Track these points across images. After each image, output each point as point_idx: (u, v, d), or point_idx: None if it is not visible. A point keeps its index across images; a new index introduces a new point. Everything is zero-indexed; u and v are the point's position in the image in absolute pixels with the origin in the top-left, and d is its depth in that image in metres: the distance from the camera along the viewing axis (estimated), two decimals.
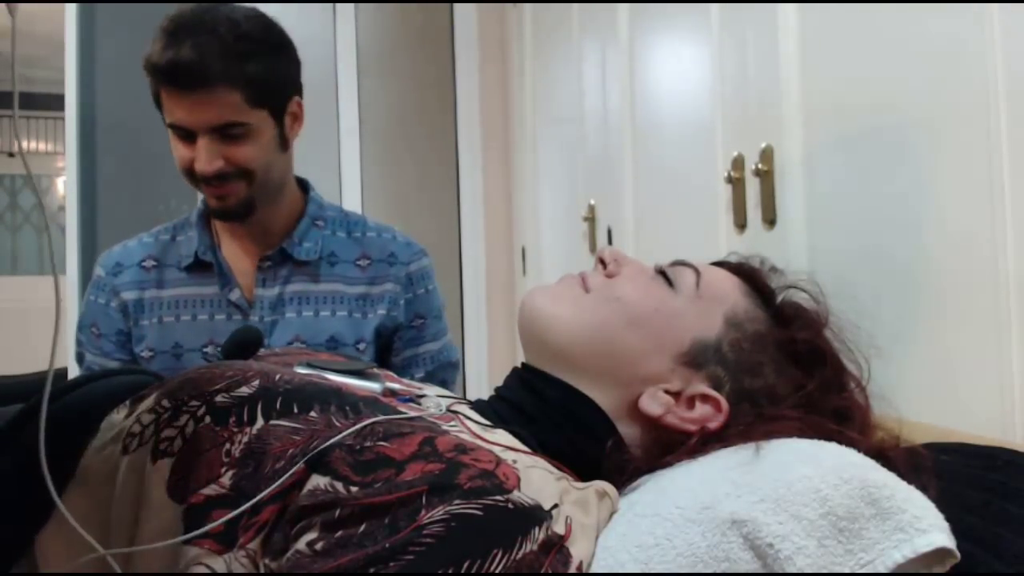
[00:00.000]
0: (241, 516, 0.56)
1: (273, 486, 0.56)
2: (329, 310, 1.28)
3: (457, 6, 3.08)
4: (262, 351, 0.89)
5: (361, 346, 1.28)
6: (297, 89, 1.25)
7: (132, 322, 1.27)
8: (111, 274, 1.29)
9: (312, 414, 0.62)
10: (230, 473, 0.58)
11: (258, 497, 0.56)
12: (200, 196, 1.27)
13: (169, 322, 1.26)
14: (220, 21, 1.12)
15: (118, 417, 0.66)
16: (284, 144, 1.23)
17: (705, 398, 0.71)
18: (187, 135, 1.15)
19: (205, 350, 1.24)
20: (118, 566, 0.57)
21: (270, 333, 1.24)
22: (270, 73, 1.16)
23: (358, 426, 0.59)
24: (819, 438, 0.63)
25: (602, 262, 0.79)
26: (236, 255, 1.28)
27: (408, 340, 1.34)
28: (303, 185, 1.34)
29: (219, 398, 0.63)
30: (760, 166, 1.27)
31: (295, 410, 0.62)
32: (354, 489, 0.55)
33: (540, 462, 0.66)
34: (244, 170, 1.17)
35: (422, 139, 3.09)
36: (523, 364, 0.78)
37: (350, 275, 1.30)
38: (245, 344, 0.87)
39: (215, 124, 1.13)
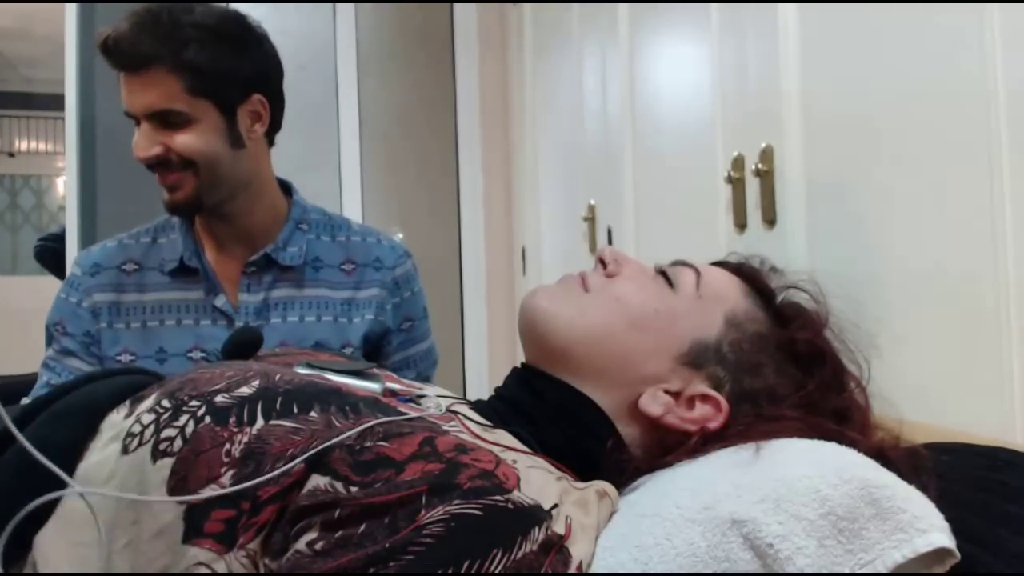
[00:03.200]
0: (241, 516, 0.56)
1: (270, 475, 0.56)
2: (314, 315, 1.27)
3: (457, 6, 3.08)
4: (262, 351, 0.89)
5: (347, 351, 1.27)
6: (261, 88, 1.21)
7: (105, 324, 1.24)
8: (87, 274, 1.26)
9: (312, 414, 0.62)
10: (230, 473, 0.58)
11: (253, 482, 0.56)
12: None
13: (153, 326, 1.24)
14: (171, 9, 1.12)
15: (118, 417, 0.66)
16: (237, 141, 1.19)
17: (705, 398, 0.71)
18: (136, 121, 1.16)
19: (190, 355, 1.23)
20: (92, 508, 0.57)
21: None
22: (216, 64, 1.14)
23: (359, 427, 0.59)
24: (819, 438, 0.63)
25: (602, 262, 0.79)
26: (220, 260, 1.27)
27: (400, 344, 1.34)
28: (286, 188, 1.33)
29: (219, 398, 0.63)
30: (760, 166, 1.27)
31: (295, 410, 0.62)
32: (354, 489, 0.55)
33: (540, 462, 0.66)
34: (184, 159, 1.15)
35: (422, 139, 3.09)
36: (523, 364, 0.78)
37: (335, 280, 1.29)
38: (245, 344, 0.87)
39: (153, 109, 1.13)
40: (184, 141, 1.14)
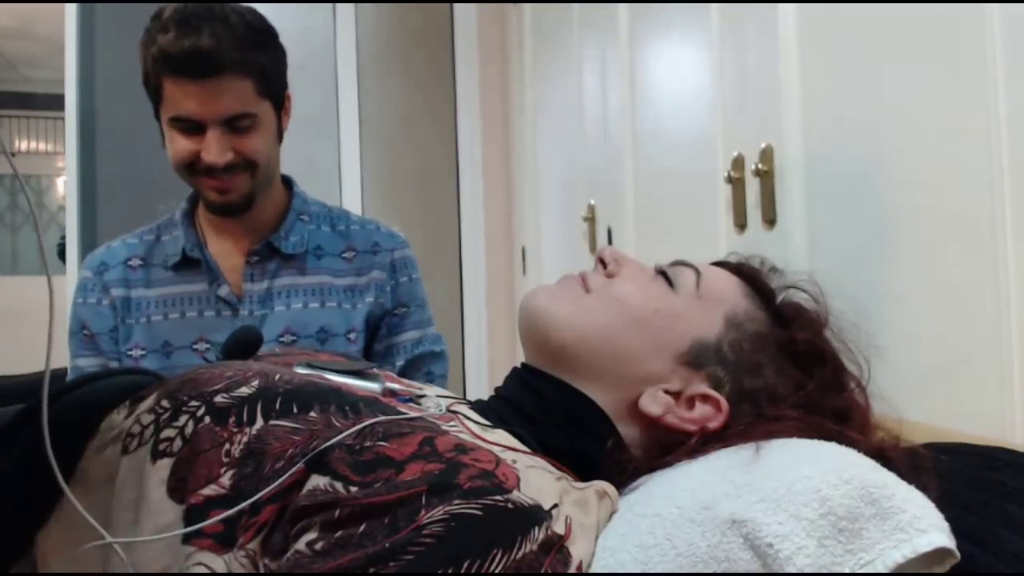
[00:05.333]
0: (241, 516, 0.56)
1: (272, 486, 0.56)
2: (318, 302, 1.28)
3: (457, 6, 3.08)
4: (261, 351, 0.89)
5: (352, 336, 1.28)
6: (287, 85, 1.28)
7: (119, 320, 1.26)
8: (97, 273, 1.28)
9: (312, 414, 0.62)
10: (230, 473, 0.58)
11: (256, 496, 0.56)
12: (184, 197, 1.29)
13: (158, 321, 1.26)
14: (229, 12, 1.15)
15: (118, 418, 0.66)
16: (280, 137, 1.26)
17: (705, 398, 0.71)
18: (194, 127, 1.15)
19: (195, 347, 1.25)
20: (124, 556, 0.57)
21: (260, 327, 1.24)
22: (274, 64, 1.20)
23: (358, 427, 0.59)
24: (819, 438, 0.63)
25: (602, 262, 0.79)
26: (223, 251, 1.29)
27: (390, 328, 1.34)
28: (287, 182, 1.37)
29: (219, 398, 0.63)
30: (760, 166, 1.27)
31: (295, 410, 0.62)
32: (354, 489, 0.55)
33: (540, 462, 0.66)
34: (250, 162, 1.19)
35: (422, 139, 3.09)
36: (523, 364, 0.78)
37: (337, 267, 1.31)
38: (244, 344, 0.87)
39: (227, 115, 1.14)
40: (253, 144, 1.18)
